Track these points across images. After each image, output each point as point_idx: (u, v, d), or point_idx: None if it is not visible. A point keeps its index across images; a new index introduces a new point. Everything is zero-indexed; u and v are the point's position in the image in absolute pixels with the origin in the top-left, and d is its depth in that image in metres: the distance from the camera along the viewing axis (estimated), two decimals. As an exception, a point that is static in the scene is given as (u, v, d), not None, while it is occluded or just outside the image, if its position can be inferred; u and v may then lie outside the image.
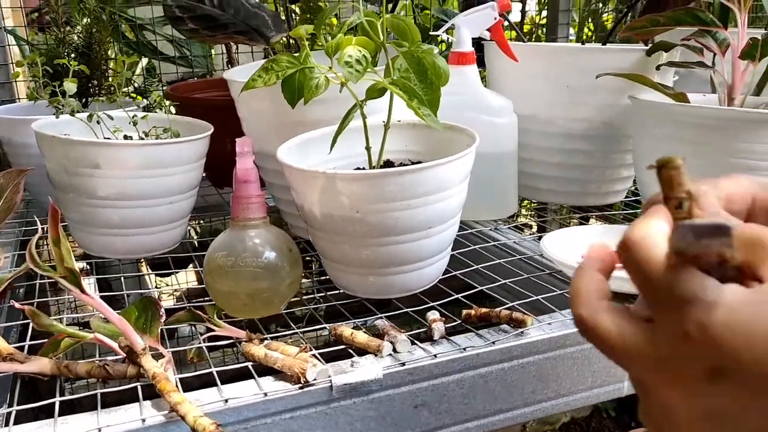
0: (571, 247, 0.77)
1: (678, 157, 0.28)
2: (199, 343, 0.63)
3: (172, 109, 1.01)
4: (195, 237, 1.24)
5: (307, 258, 0.91)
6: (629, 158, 0.98)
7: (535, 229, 1.16)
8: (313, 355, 0.57)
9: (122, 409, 0.51)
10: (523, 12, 2.03)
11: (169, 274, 0.94)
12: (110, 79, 1.13)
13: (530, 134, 0.99)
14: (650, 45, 0.90)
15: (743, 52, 0.79)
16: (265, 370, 0.57)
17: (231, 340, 0.63)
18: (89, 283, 1.07)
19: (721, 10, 0.86)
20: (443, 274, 0.77)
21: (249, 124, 0.90)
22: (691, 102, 0.84)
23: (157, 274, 1.01)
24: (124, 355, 0.54)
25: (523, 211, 1.17)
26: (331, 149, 0.72)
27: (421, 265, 0.72)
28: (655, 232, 0.29)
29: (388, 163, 0.82)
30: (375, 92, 0.66)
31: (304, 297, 0.79)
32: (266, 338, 0.62)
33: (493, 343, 0.61)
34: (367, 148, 0.71)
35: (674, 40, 0.89)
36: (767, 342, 0.25)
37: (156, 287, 0.93)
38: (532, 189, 1.04)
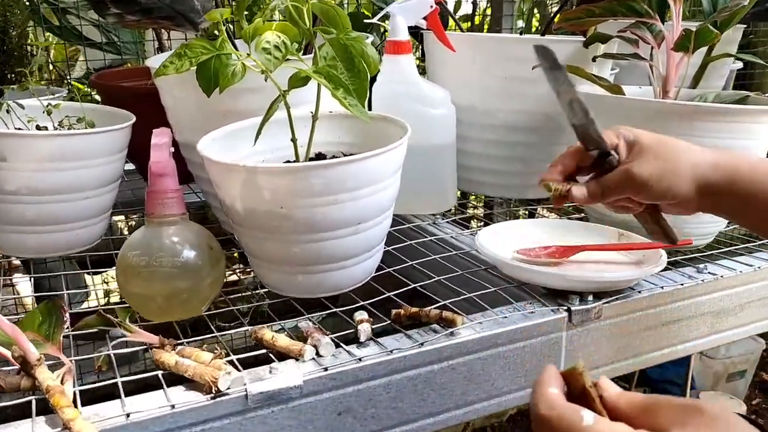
0: (506, 242, 0.76)
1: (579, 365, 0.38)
2: (108, 349, 0.58)
3: (98, 98, 0.95)
4: (128, 233, 1.18)
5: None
6: (568, 151, 0.97)
7: (479, 223, 1.15)
8: (230, 362, 0.53)
9: (12, 426, 0.46)
10: (475, 3, 2.01)
11: (97, 273, 0.89)
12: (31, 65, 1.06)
13: (469, 126, 0.97)
14: (587, 36, 0.89)
15: (676, 44, 0.78)
16: (178, 379, 0.53)
17: (145, 346, 0.59)
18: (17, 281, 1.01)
19: (659, 2, 0.86)
20: (376, 272, 0.74)
21: (174, 114, 0.86)
22: (627, 94, 0.83)
23: (89, 272, 0.95)
24: (18, 365, 0.50)
25: (472, 203, 1.15)
26: (255, 141, 0.68)
27: (351, 262, 0.69)
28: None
29: (320, 156, 0.78)
30: (298, 81, 0.62)
31: (240, 296, 0.75)
32: (182, 343, 0.58)
33: (422, 344, 0.58)
34: (293, 140, 0.68)
35: (612, 32, 0.88)
36: None
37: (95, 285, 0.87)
38: (473, 182, 1.02)
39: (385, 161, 0.65)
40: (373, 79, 0.90)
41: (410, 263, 0.78)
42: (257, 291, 0.75)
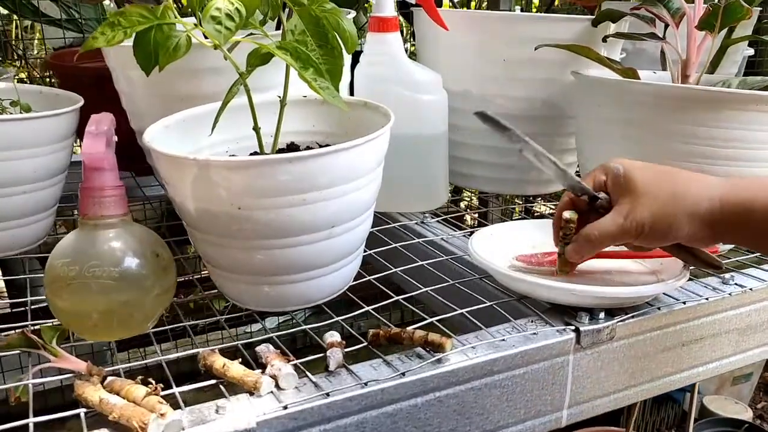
0: (503, 247, 0.66)
1: None
2: (28, 378, 0.49)
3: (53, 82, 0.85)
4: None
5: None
6: (572, 142, 0.87)
7: (473, 222, 1.05)
8: (164, 399, 0.44)
9: None
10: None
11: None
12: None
13: (462, 114, 0.86)
14: (596, 14, 0.79)
15: (701, 21, 0.69)
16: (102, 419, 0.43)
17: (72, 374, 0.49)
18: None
19: (675, -24, 0.76)
20: (354, 280, 0.65)
21: (129, 99, 0.76)
22: (642, 80, 0.73)
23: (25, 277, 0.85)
24: None
25: (466, 199, 1.05)
26: (212, 130, 0.58)
27: (325, 271, 0.59)
28: None
29: (292, 147, 0.69)
30: (258, 59, 0.52)
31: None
32: (118, 372, 0.49)
33: (403, 374, 0.49)
34: (256, 129, 0.58)
35: (623, 9, 0.78)
36: None
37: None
38: (465, 176, 0.92)
39: (363, 154, 0.56)
40: (356, 60, 0.81)
41: (394, 270, 0.68)
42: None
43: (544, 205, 0.97)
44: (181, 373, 0.55)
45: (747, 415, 1.68)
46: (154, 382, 0.45)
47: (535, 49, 0.76)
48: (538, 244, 0.66)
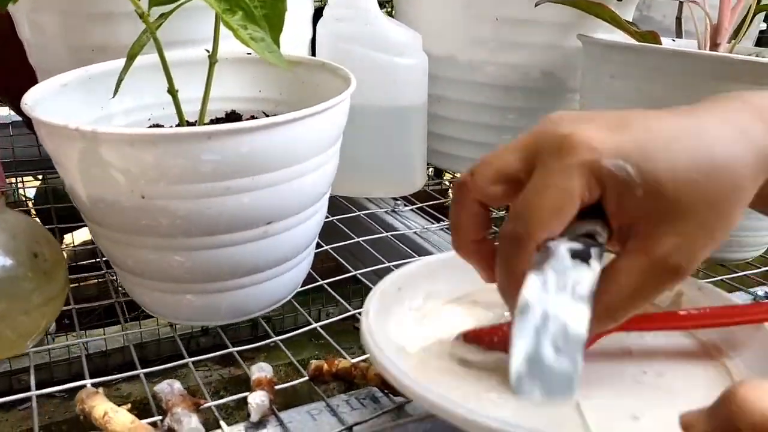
0: (430, 319, 0.40)
1: None
2: None
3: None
4: None
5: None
6: (573, 120, 0.75)
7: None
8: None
9: None
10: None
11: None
12: None
13: (445, 83, 0.74)
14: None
15: (741, -23, 0.56)
16: None
17: None
18: None
19: None
20: (302, 285, 0.52)
21: (34, 51, 0.62)
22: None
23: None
24: None
25: (446, 184, 0.92)
26: (115, 92, 0.45)
27: (261, 278, 0.47)
28: None
29: (233, 117, 0.55)
30: (164, -4, 0.39)
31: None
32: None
33: (351, 428, 0.36)
34: (172, 93, 0.44)
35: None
36: None
37: None
38: (447, 156, 0.79)
39: (311, 129, 0.43)
40: (318, 14, 0.67)
41: (354, 273, 0.56)
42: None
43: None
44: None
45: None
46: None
47: (535, 5, 0.63)
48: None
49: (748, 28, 0.72)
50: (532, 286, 0.28)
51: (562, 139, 0.29)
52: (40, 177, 1.00)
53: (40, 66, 0.62)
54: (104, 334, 0.87)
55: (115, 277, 0.55)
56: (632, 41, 0.59)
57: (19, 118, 0.89)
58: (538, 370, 0.28)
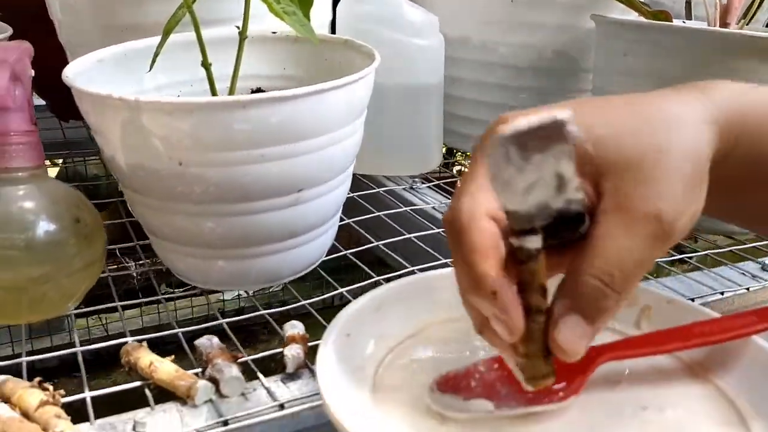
0: (400, 361, 0.35)
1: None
2: None
3: None
4: None
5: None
6: (585, 101, 0.76)
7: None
8: (69, 405, 0.33)
9: None
10: None
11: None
12: None
13: (461, 64, 0.75)
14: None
15: (752, -44, 0.57)
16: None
17: None
18: None
19: None
20: (327, 255, 0.54)
21: (64, 30, 0.64)
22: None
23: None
24: None
25: (460, 162, 0.94)
26: (151, 66, 0.47)
27: (291, 244, 0.49)
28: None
29: (258, 92, 0.57)
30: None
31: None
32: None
33: (381, 379, 0.38)
34: (205, 66, 0.46)
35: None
36: None
37: None
38: (462, 136, 0.81)
39: (339, 100, 0.45)
40: (338, -4, 0.69)
41: (376, 243, 0.58)
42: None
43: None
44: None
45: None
46: (51, 387, 0.34)
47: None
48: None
49: (758, 9, 0.73)
50: None
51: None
52: (58, 161, 1.03)
53: (69, 44, 0.64)
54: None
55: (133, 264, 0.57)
56: (642, 19, 0.61)
57: (42, 102, 0.91)
58: None
